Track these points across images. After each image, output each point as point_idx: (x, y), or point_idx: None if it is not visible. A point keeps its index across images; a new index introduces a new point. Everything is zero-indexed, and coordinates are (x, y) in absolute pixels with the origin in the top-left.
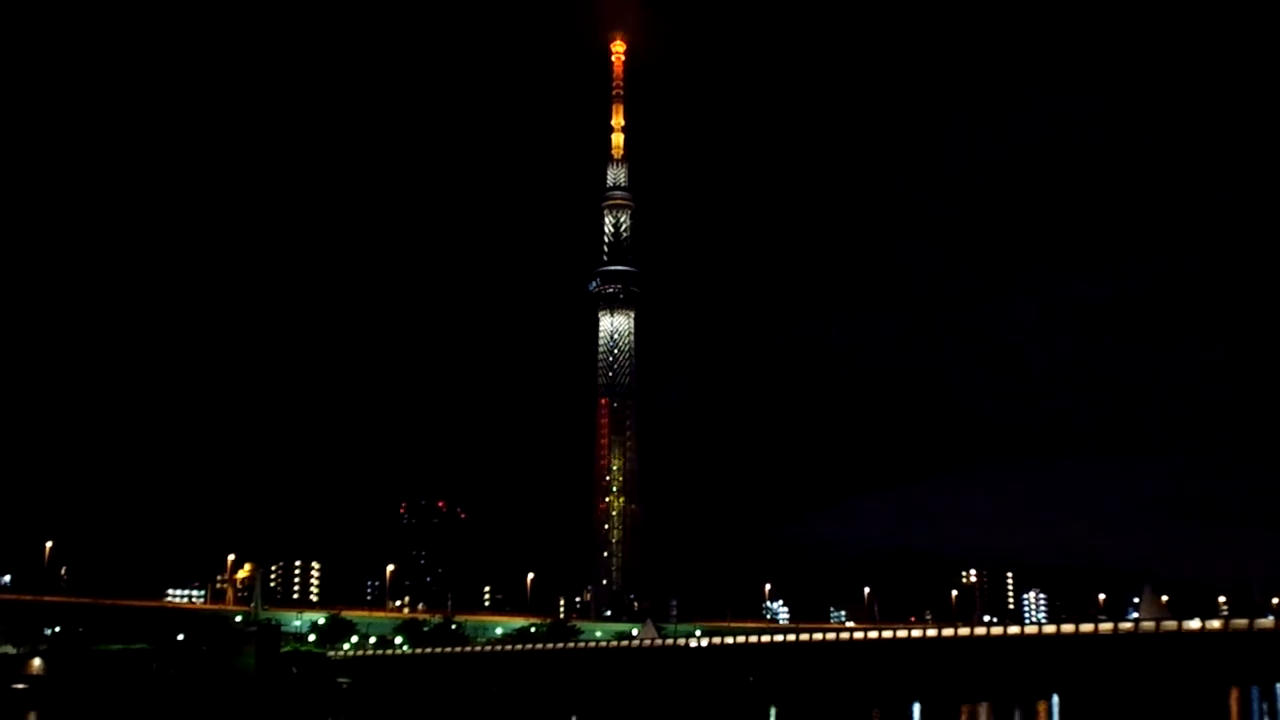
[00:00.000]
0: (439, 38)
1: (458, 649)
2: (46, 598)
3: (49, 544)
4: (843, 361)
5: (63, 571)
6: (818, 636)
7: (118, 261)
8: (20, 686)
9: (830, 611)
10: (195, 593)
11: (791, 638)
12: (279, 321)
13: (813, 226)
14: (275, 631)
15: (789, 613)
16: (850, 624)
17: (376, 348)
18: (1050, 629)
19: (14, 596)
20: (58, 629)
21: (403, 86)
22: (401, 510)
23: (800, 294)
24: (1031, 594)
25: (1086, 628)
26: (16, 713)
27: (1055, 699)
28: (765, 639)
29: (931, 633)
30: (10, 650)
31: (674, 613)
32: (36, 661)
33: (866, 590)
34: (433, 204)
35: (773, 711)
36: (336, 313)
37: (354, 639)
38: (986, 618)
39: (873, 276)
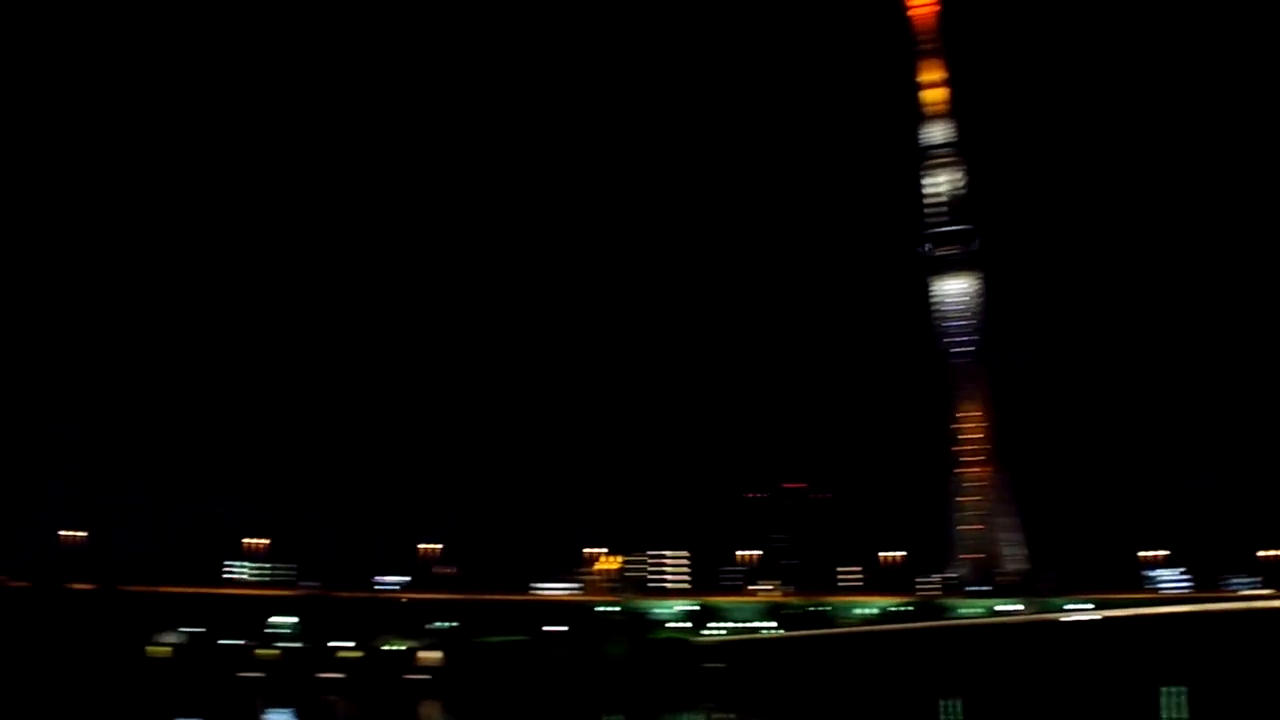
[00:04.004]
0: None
1: (823, 631)
2: (434, 595)
3: (436, 546)
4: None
5: (443, 570)
6: (1225, 607)
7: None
8: (418, 677)
9: (1230, 579)
10: (565, 586)
11: (1191, 608)
12: (641, 316)
13: (1159, 173)
14: (643, 619)
15: (1185, 580)
16: (1266, 592)
17: (725, 336)
18: None
19: (409, 595)
20: (446, 624)
21: (716, 50)
22: (760, 495)
23: (1149, 241)
24: None
25: None
26: (414, 702)
27: None
28: (1160, 610)
29: None
30: (406, 644)
31: (1049, 585)
32: (431, 653)
33: None
34: (756, 183)
35: (1174, 691)
36: (682, 303)
37: (720, 624)
38: None
39: None
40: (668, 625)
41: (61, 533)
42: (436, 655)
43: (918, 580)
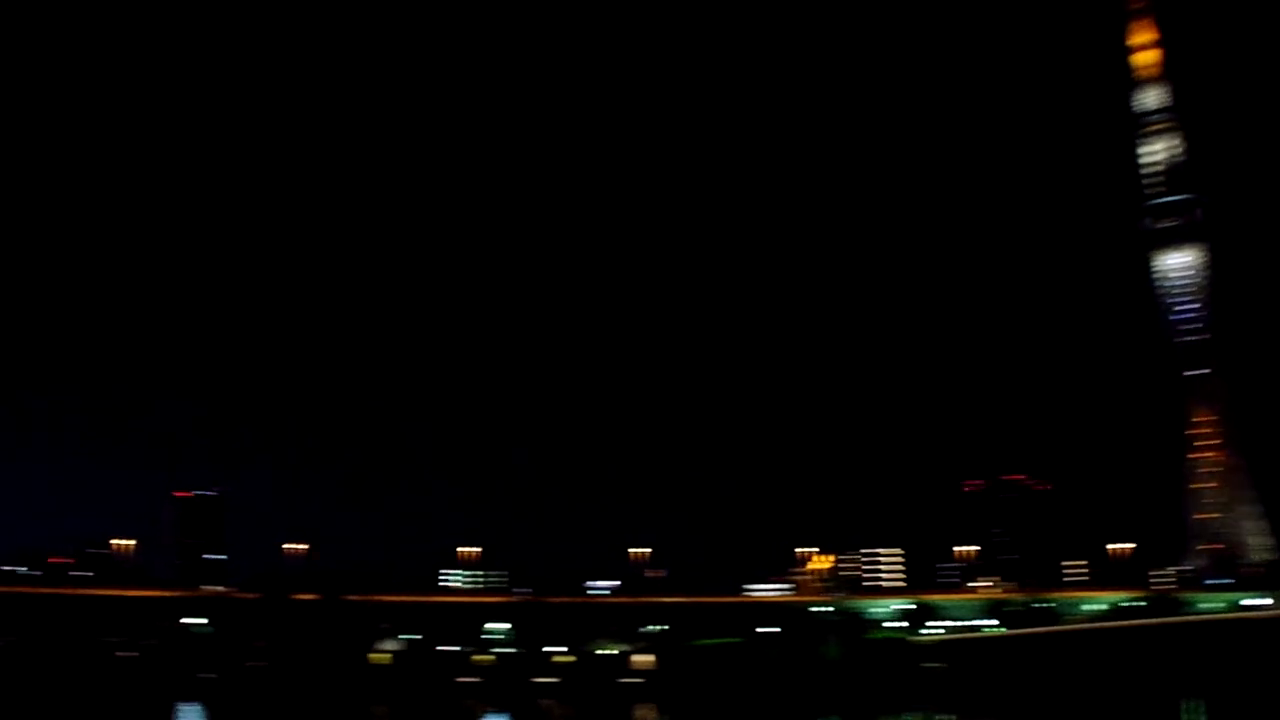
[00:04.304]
0: None
1: (1048, 628)
2: (645, 599)
3: (646, 550)
4: None
5: (653, 573)
6: None
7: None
8: (631, 681)
9: None
10: (777, 586)
11: None
12: (852, 308)
13: None
14: (858, 619)
15: None
16: None
17: (939, 323)
18: None
19: (619, 599)
20: (658, 627)
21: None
22: (977, 487)
23: None
24: None
25: None
26: (628, 705)
27: None
28: None
29: None
30: (619, 648)
31: None
32: (644, 657)
33: None
34: (967, 165)
35: None
36: (896, 293)
37: (938, 623)
38: None
39: None
40: (884, 625)
41: (285, 546)
42: (649, 659)
43: (1150, 573)
